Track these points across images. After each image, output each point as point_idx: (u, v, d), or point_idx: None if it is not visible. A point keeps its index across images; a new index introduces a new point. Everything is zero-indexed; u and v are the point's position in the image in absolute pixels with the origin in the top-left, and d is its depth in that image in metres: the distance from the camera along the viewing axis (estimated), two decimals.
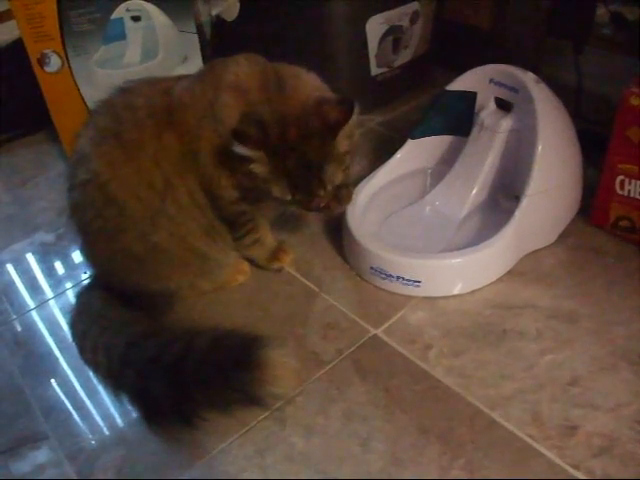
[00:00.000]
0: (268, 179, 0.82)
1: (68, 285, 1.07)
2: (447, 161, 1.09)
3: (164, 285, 0.92)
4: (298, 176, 0.81)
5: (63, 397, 0.87)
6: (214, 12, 1.38)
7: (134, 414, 0.82)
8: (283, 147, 0.79)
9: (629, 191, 0.95)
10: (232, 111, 0.82)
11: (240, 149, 0.78)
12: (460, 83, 1.06)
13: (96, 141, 0.85)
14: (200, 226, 0.90)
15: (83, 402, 0.86)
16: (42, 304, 1.04)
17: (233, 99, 0.83)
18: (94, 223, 0.87)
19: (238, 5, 1.36)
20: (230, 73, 0.84)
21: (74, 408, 0.86)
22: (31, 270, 1.12)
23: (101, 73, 1.28)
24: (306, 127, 0.80)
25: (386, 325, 0.90)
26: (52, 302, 1.04)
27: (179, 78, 0.89)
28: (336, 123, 0.80)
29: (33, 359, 0.94)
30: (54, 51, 1.24)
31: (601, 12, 1.31)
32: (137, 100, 0.86)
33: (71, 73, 1.26)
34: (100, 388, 0.87)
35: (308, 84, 0.85)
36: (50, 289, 1.07)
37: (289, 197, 0.83)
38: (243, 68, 0.85)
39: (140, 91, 0.88)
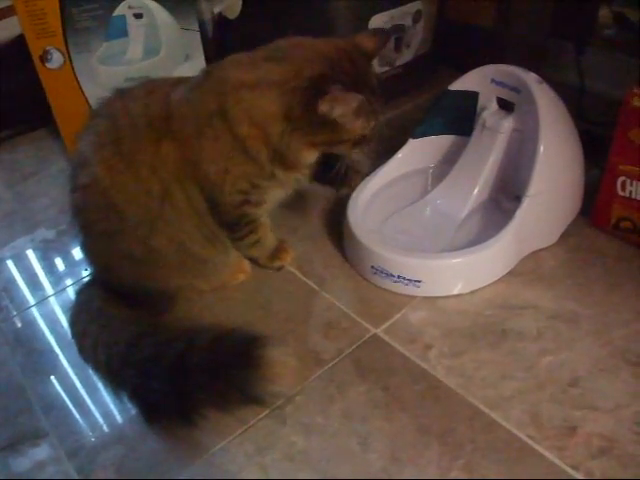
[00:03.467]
0: (354, 120, 0.81)
1: (69, 282, 1.07)
2: (448, 161, 1.09)
3: (163, 286, 0.92)
4: (369, 101, 0.81)
5: (63, 394, 0.87)
6: (216, 10, 1.37)
7: (134, 411, 0.82)
8: (349, 79, 0.80)
9: (630, 192, 0.95)
10: (252, 101, 0.80)
11: (331, 104, 0.78)
12: (462, 83, 1.06)
13: (96, 146, 0.85)
14: (199, 231, 0.89)
15: (83, 399, 0.86)
16: (42, 301, 1.04)
17: (247, 93, 0.81)
18: (96, 225, 0.87)
19: (240, 3, 1.36)
20: (231, 76, 0.82)
21: (74, 405, 0.86)
22: (32, 267, 1.12)
23: (103, 70, 1.29)
24: (354, 58, 0.82)
25: (386, 324, 0.91)
26: (52, 299, 1.04)
27: (177, 82, 0.88)
28: (373, 50, 0.85)
29: (33, 356, 0.94)
30: (56, 48, 1.24)
31: (603, 13, 1.31)
32: (135, 106, 0.85)
33: (73, 70, 1.27)
34: (100, 385, 0.87)
35: (313, 39, 0.84)
36: (51, 286, 1.07)
37: (373, 123, 0.84)
38: (240, 64, 0.83)
39: (138, 96, 0.87)
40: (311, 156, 0.86)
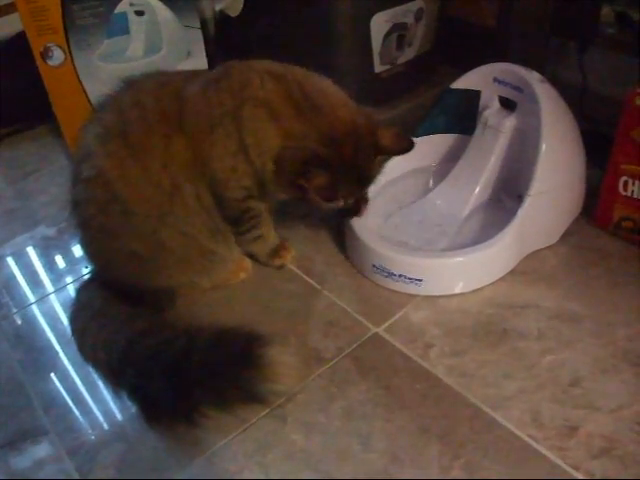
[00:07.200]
0: (321, 198, 0.86)
1: (69, 279, 1.07)
2: (450, 159, 1.09)
3: (164, 283, 0.92)
4: (350, 188, 0.87)
5: (63, 392, 0.87)
6: (218, 7, 1.37)
7: (134, 410, 0.82)
8: (342, 166, 0.84)
9: (632, 192, 0.94)
10: (263, 125, 0.83)
11: (303, 180, 0.84)
12: (464, 81, 1.06)
13: (102, 139, 0.85)
14: (206, 226, 0.90)
15: (83, 397, 0.86)
16: (43, 298, 1.04)
17: (264, 114, 0.83)
18: (95, 219, 0.87)
19: (242, 0, 1.35)
20: (254, 87, 0.84)
21: (74, 403, 0.86)
22: (32, 264, 1.12)
23: (104, 67, 1.28)
24: (361, 146, 0.85)
25: (387, 323, 0.90)
26: (53, 296, 1.04)
27: (189, 76, 0.88)
28: (387, 149, 0.88)
29: (33, 353, 0.94)
30: (57, 45, 1.23)
31: (606, 11, 1.30)
32: (145, 99, 0.85)
33: (74, 67, 1.26)
34: (100, 383, 0.87)
35: (338, 100, 0.87)
36: (51, 283, 1.07)
37: (341, 204, 0.89)
38: (266, 83, 0.84)
39: (148, 89, 0.87)
40: (285, 196, 0.90)
